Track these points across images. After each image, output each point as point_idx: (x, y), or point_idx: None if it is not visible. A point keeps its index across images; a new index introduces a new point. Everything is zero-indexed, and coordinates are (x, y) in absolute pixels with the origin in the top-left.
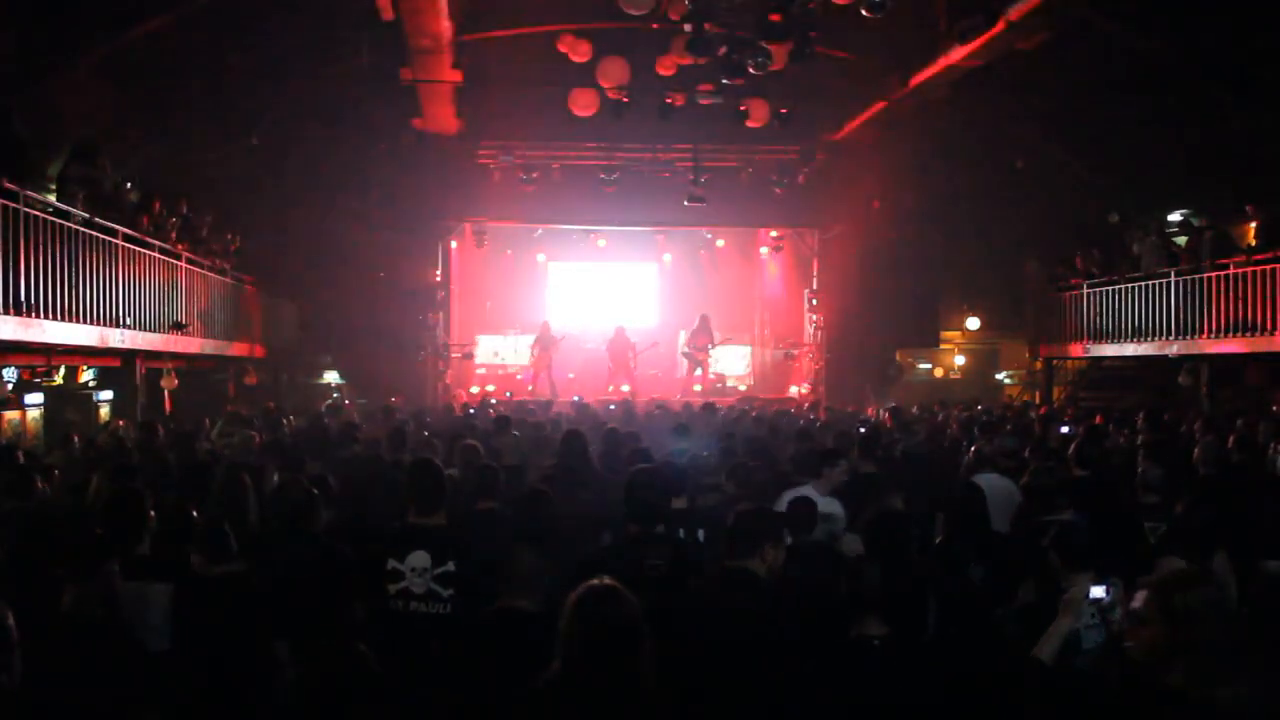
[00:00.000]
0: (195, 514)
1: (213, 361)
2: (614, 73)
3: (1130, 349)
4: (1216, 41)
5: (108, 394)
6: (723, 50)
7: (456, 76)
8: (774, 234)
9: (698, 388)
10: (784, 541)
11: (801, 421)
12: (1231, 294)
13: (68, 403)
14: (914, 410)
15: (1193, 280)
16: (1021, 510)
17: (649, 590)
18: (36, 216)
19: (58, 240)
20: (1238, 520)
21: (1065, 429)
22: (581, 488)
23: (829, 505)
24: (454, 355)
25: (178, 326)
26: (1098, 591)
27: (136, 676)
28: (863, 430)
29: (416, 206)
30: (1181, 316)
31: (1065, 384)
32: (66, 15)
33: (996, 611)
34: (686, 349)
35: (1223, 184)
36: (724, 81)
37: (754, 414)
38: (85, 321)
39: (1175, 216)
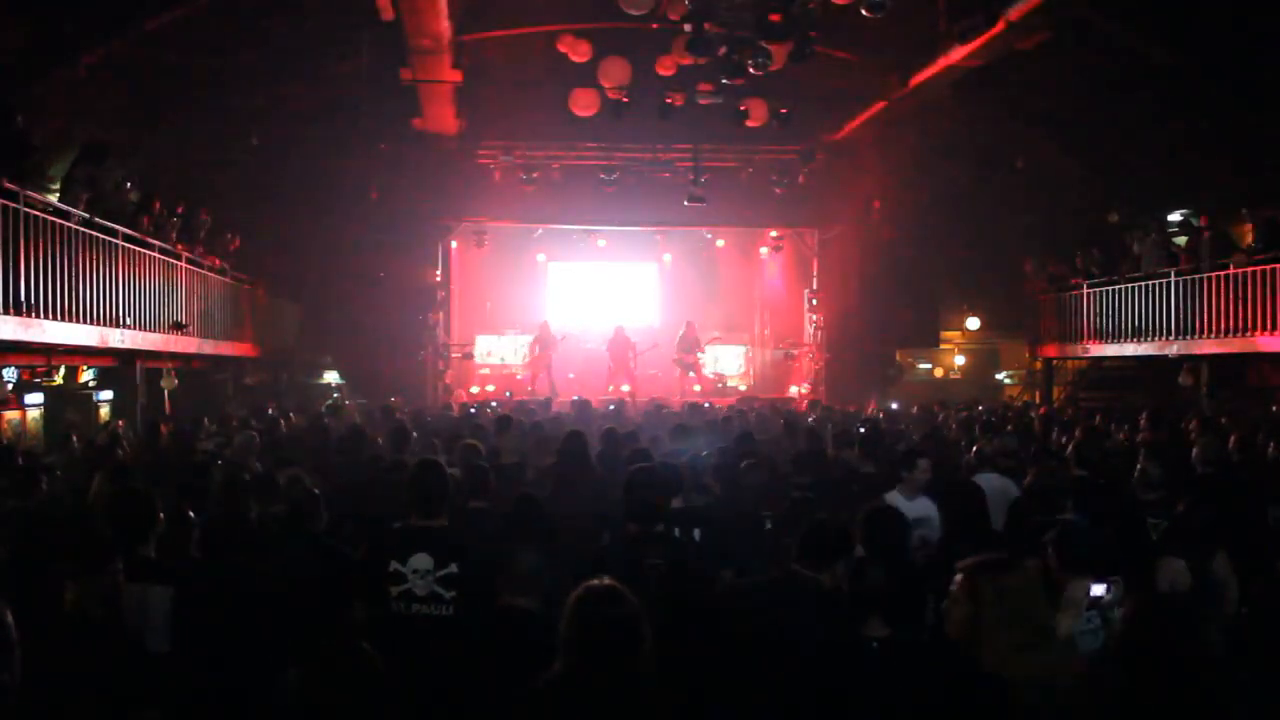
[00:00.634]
0: (194, 515)
1: (212, 362)
2: (614, 73)
3: (1130, 349)
4: (1216, 41)
5: (108, 394)
6: (722, 50)
7: (456, 76)
8: (774, 234)
9: (697, 388)
10: (854, 556)
11: (811, 419)
12: (1231, 294)
13: (68, 403)
14: (914, 410)
15: (1193, 280)
16: (1022, 509)
17: (649, 590)
18: (36, 216)
19: (58, 240)
20: (1238, 520)
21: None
22: (581, 487)
23: (922, 508)
24: (454, 355)
25: (177, 327)
26: (1098, 590)
27: (137, 677)
28: (862, 430)
29: (416, 206)
30: (1181, 316)
31: (1065, 384)
32: (68, 15)
33: None
34: (676, 357)
35: (1223, 184)
36: (724, 81)
37: (756, 410)
38: (85, 321)
39: (1175, 216)
